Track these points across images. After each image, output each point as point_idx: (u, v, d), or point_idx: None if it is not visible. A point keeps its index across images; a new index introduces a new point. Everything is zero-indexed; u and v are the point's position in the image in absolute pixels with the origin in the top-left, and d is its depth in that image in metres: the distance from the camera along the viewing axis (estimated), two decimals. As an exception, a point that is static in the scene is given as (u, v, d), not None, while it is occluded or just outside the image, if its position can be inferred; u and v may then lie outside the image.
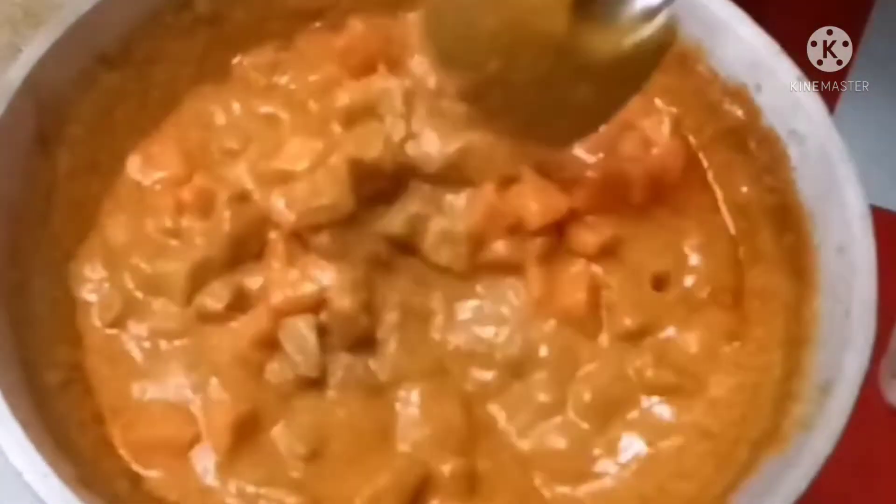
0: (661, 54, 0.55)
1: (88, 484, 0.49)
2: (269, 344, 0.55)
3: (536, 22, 0.52)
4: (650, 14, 0.53)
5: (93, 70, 0.60)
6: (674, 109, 0.63)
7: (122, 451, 0.54)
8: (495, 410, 0.56)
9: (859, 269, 0.53)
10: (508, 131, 0.57)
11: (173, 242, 0.58)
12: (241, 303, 0.56)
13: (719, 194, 0.62)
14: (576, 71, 0.54)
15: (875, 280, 0.53)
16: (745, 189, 0.61)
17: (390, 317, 0.56)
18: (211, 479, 0.53)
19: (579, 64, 0.53)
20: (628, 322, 0.57)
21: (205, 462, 0.53)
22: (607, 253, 0.58)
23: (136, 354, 0.56)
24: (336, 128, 0.59)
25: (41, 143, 0.58)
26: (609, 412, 0.56)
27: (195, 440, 0.54)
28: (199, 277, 0.56)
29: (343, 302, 0.55)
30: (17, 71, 0.57)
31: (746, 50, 0.60)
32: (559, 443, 0.55)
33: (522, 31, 0.53)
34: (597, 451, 0.55)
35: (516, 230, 0.57)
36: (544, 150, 0.58)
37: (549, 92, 0.55)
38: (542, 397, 0.56)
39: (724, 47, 0.61)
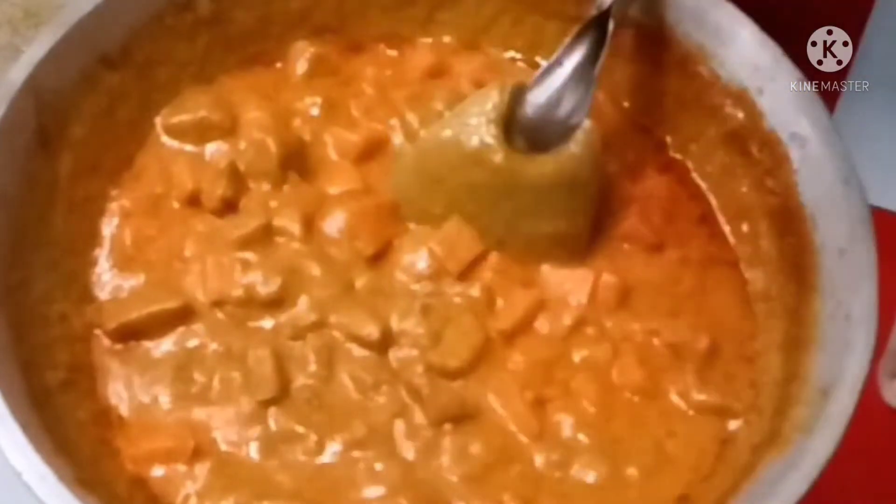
0: (593, 159, 0.59)
1: (87, 485, 0.49)
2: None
3: (479, 162, 0.58)
4: (569, 132, 0.59)
5: (94, 71, 0.60)
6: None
7: (124, 456, 0.54)
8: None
9: (860, 272, 0.53)
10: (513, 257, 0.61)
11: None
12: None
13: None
14: (527, 195, 0.59)
15: (876, 283, 0.53)
16: (746, 192, 0.62)
17: None
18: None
19: (527, 188, 0.58)
20: None
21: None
22: None
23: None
24: None
25: (42, 143, 0.58)
26: None
27: (197, 452, 0.54)
28: None
29: None
30: (19, 71, 0.56)
31: (748, 53, 0.60)
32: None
33: (471, 173, 0.59)
34: None
35: None
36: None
37: (515, 219, 0.60)
38: None
39: (726, 50, 0.61)
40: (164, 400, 0.56)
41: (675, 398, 0.57)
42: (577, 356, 0.58)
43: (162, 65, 0.63)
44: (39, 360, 0.54)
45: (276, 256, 0.59)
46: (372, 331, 0.56)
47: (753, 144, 0.61)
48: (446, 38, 0.69)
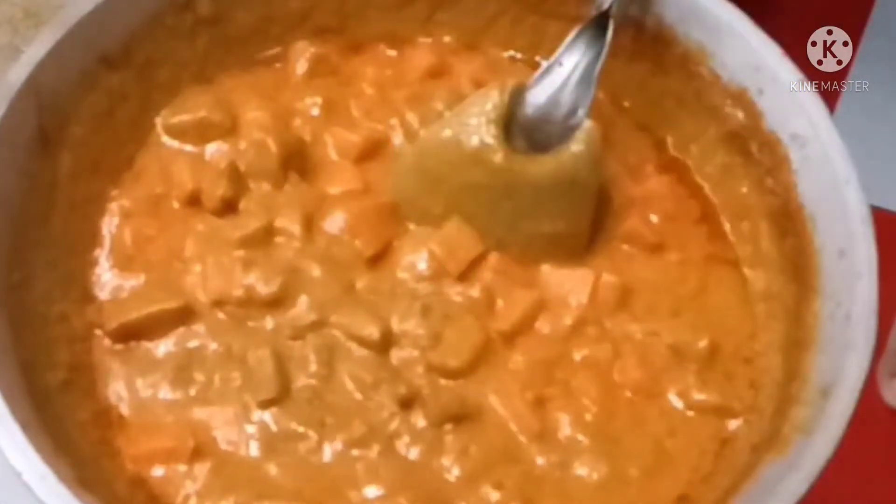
0: (594, 159, 0.59)
1: (87, 485, 0.49)
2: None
3: (479, 162, 0.58)
4: (569, 131, 0.59)
5: (94, 71, 0.60)
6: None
7: (124, 456, 0.54)
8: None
9: (860, 273, 0.53)
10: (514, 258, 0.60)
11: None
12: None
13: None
14: (527, 195, 0.59)
15: (876, 284, 0.53)
16: (746, 192, 0.62)
17: None
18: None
19: (527, 188, 0.58)
20: None
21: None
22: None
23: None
24: None
25: (42, 143, 0.58)
26: None
27: (197, 452, 0.54)
28: None
29: None
30: (19, 71, 0.56)
31: (748, 53, 0.60)
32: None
33: (471, 173, 0.59)
34: None
35: None
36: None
37: (515, 220, 0.60)
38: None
39: (727, 50, 0.61)
40: (165, 400, 0.56)
41: (674, 398, 0.57)
42: (578, 356, 0.58)
43: (162, 65, 0.63)
44: (39, 360, 0.54)
45: (277, 256, 0.59)
46: (372, 331, 0.56)
47: (753, 144, 0.61)
48: (446, 38, 0.69)
